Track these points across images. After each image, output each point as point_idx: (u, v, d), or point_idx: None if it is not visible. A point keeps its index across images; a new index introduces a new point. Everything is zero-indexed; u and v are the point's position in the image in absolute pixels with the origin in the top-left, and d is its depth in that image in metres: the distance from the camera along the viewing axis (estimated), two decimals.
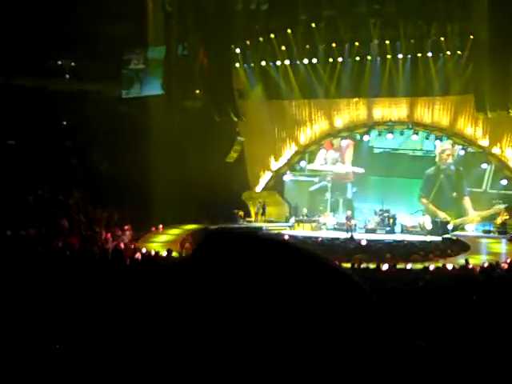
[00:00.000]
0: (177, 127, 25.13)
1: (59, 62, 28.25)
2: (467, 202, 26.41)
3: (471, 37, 24.60)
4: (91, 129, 24.13)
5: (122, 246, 18.60)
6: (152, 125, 24.60)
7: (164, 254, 16.60)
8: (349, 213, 26.13)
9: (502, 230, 24.47)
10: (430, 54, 25.92)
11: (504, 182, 25.98)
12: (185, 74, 26.87)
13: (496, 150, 26.11)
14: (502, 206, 25.29)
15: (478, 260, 18.01)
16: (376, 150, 28.96)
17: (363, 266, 15.19)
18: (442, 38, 25.39)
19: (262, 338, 0.84)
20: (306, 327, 0.85)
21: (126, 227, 21.68)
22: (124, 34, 24.74)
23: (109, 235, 20.60)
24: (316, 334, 0.85)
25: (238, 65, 28.16)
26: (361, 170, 28.01)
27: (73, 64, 28.13)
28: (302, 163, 29.12)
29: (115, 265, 13.07)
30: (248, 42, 27.53)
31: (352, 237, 22.85)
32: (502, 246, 21.95)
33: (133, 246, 18.89)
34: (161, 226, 23.87)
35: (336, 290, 0.89)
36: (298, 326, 0.85)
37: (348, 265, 15.33)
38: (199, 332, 0.84)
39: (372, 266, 14.94)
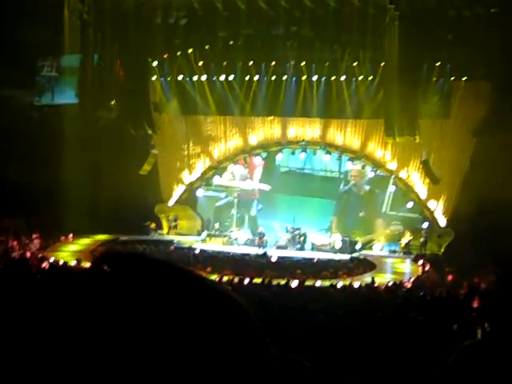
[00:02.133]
0: (90, 137, 24.72)
1: None
2: (379, 223, 27.16)
3: (382, 64, 25.46)
4: (2, 135, 23.40)
5: (29, 254, 18.09)
6: (65, 134, 24.12)
7: (73, 263, 16.27)
8: (261, 229, 26.42)
9: (407, 250, 25.37)
10: (343, 78, 26.61)
11: (410, 204, 26.93)
12: (100, 84, 26.47)
13: (403, 174, 27.06)
14: (400, 228, 26.23)
15: (383, 278, 18.61)
16: (283, 169, 29.44)
17: (274, 282, 15.38)
18: (355, 63, 26.14)
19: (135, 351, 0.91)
20: (183, 345, 0.92)
21: (34, 235, 21.13)
22: (39, 41, 24.18)
23: (15, 243, 20.01)
24: (191, 350, 0.91)
25: (154, 78, 28.03)
26: (267, 187, 28.34)
27: None
28: (216, 178, 29.19)
29: (20, 274, 12.71)
30: (165, 56, 27.44)
31: (265, 253, 23.07)
32: (406, 266, 22.74)
33: (40, 255, 18.41)
34: (71, 235, 23.41)
35: (212, 308, 0.96)
36: (175, 344, 0.91)
37: (259, 280, 15.51)
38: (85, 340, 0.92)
39: (282, 282, 15.13)
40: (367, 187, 27.78)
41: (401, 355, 7.78)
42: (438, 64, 25.10)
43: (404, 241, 25.80)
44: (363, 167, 27.82)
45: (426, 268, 21.29)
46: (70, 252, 21.06)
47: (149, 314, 0.92)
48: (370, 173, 27.66)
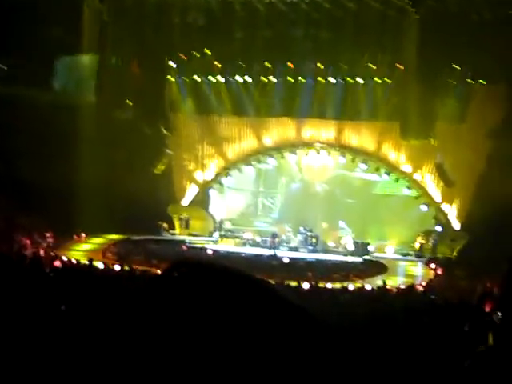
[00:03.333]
0: (105, 136, 24.82)
1: None
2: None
3: (400, 67, 25.36)
4: (17, 134, 23.54)
5: (42, 252, 18.17)
6: (80, 132, 24.22)
7: (86, 262, 16.31)
8: (274, 230, 26.41)
9: (419, 253, 25.24)
10: (360, 80, 26.56)
11: (424, 207, 26.77)
12: (117, 84, 26.60)
13: (417, 177, 26.92)
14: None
15: (395, 281, 18.52)
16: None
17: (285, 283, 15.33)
18: (373, 66, 26.06)
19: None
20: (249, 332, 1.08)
21: (47, 234, 21.23)
22: (58, 39, 24.34)
23: (28, 241, 20.11)
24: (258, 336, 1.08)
25: (171, 78, 28.12)
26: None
27: (2, 67, 27.39)
28: (229, 179, 29.17)
29: (33, 271, 12.77)
30: (183, 56, 27.52)
31: (275, 254, 23.02)
32: (418, 269, 22.63)
33: (53, 254, 18.48)
34: (83, 234, 23.50)
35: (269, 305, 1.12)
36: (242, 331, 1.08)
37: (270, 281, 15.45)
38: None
39: (293, 283, 15.08)
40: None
41: (412, 359, 7.73)
42: (457, 68, 24.96)
43: (416, 244, 25.67)
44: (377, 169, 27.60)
45: (439, 271, 21.16)
46: (82, 251, 21.15)
47: (217, 318, 1.07)
48: (384, 175, 27.47)
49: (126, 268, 15.94)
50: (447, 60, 24.35)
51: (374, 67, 26.02)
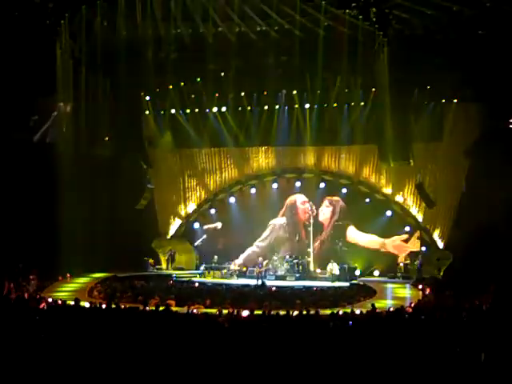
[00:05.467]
0: (85, 174, 24.72)
1: None
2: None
3: (373, 90, 25.66)
4: None
5: (26, 296, 17.93)
6: (59, 172, 24.06)
7: (71, 303, 16.12)
8: (260, 259, 26.35)
9: (406, 274, 25.31)
10: (335, 105, 26.81)
11: (407, 228, 26.89)
12: (93, 122, 26.55)
13: (399, 198, 27.09)
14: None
15: (384, 304, 18.50)
16: None
17: (273, 312, 15.25)
18: (347, 90, 26.34)
19: None
20: None
21: (31, 277, 20.98)
22: (32, 79, 24.29)
23: (11, 285, 19.84)
24: None
25: (147, 112, 28.20)
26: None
27: None
28: (212, 211, 29.10)
29: (18, 315, 12.61)
30: (158, 90, 27.62)
31: (263, 283, 22.94)
32: (406, 291, 22.64)
33: (38, 296, 18.25)
34: (68, 274, 23.28)
35: None
36: None
37: (259, 311, 15.39)
38: None
39: (282, 312, 15.00)
40: None
41: (406, 379, 7.78)
42: (428, 88, 25.34)
43: (402, 265, 25.74)
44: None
45: (426, 292, 21.18)
46: (67, 292, 20.92)
47: None
48: (366, 199, 27.54)
49: (113, 306, 15.77)
50: (419, 80, 24.67)
51: (347, 91, 26.29)
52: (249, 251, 27.44)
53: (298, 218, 27.51)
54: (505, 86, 22.31)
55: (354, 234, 27.28)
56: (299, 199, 27.53)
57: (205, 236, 27.82)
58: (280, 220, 27.61)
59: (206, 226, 28.01)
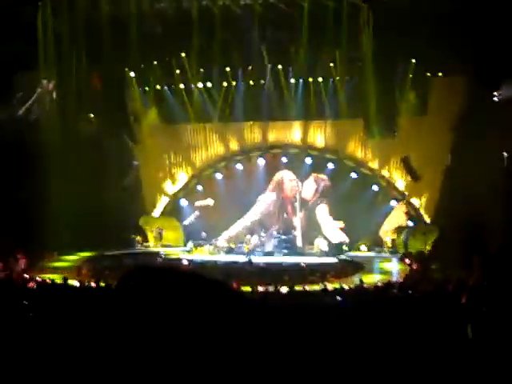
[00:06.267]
0: (71, 151, 24.58)
1: None
2: None
3: (359, 64, 25.62)
4: None
5: (14, 275, 17.94)
6: (44, 148, 23.90)
7: (60, 282, 16.14)
8: (247, 237, 26.39)
9: (393, 249, 25.49)
10: (320, 79, 26.76)
11: (393, 202, 27.02)
12: (77, 98, 26.34)
13: (384, 173, 27.20)
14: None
15: (372, 279, 18.70)
16: None
17: (262, 289, 15.38)
18: (332, 64, 26.29)
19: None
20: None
21: (19, 255, 20.92)
22: (13, 55, 23.99)
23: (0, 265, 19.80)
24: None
25: (132, 88, 27.98)
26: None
27: None
28: (199, 187, 29.04)
29: (6, 294, 12.60)
30: (142, 66, 27.41)
31: (250, 260, 23.03)
32: (393, 265, 22.85)
33: (26, 276, 18.24)
34: (55, 253, 23.25)
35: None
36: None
37: (248, 288, 15.50)
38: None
39: (271, 288, 15.12)
40: None
41: (394, 354, 7.83)
42: (413, 61, 25.34)
43: (387, 239, 25.90)
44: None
45: (413, 266, 21.39)
46: (56, 270, 20.92)
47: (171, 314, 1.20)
48: (352, 173, 27.58)
49: (102, 284, 15.81)
50: (404, 54, 24.66)
51: (332, 65, 26.25)
52: (238, 226, 27.37)
53: (285, 195, 27.51)
54: (491, 59, 22.33)
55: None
56: (286, 176, 27.48)
57: (197, 212, 27.75)
58: (269, 196, 27.56)
59: (197, 203, 27.93)
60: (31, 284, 15.82)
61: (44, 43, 25.09)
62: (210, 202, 27.72)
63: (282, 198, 27.53)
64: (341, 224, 26.16)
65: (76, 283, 16.61)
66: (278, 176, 27.68)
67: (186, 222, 27.95)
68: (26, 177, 22.93)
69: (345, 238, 25.97)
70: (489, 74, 23.12)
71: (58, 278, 17.31)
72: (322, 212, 26.98)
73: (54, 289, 14.84)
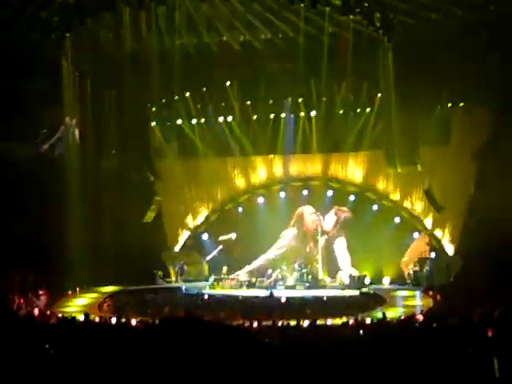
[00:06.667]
0: (93, 188, 24.74)
1: None
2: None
3: (379, 95, 25.60)
4: (5, 189, 23.38)
5: (37, 312, 17.92)
6: (67, 186, 24.09)
7: (81, 318, 16.08)
8: (269, 271, 26.24)
9: (416, 282, 25.13)
10: (341, 111, 26.76)
11: (416, 234, 26.73)
12: (100, 135, 26.58)
13: (407, 204, 26.95)
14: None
15: (395, 313, 18.38)
16: None
17: (284, 322, 15.20)
18: (352, 96, 26.30)
19: None
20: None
21: (41, 292, 20.97)
22: (37, 93, 24.35)
23: (21, 301, 19.83)
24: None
25: (153, 123, 28.19)
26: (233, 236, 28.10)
27: None
28: (220, 221, 28.98)
29: (27, 331, 12.55)
30: (164, 101, 27.64)
31: (271, 294, 22.82)
32: (416, 298, 22.48)
33: (48, 312, 18.24)
34: (78, 289, 23.26)
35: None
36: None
37: (269, 322, 15.33)
38: None
39: (292, 322, 14.93)
40: None
41: None
42: (433, 92, 25.26)
43: (411, 271, 25.56)
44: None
45: (437, 299, 21.03)
46: (77, 306, 20.91)
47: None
48: (374, 205, 27.41)
49: (123, 320, 15.74)
50: (424, 84, 24.58)
51: (352, 97, 26.26)
52: (261, 260, 27.27)
53: (306, 229, 27.41)
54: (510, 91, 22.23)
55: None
56: (307, 210, 27.46)
57: (220, 247, 27.68)
58: (291, 230, 27.55)
59: (221, 237, 27.88)
60: (52, 320, 15.80)
61: (68, 81, 25.41)
62: (233, 235, 27.64)
63: (303, 232, 27.44)
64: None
65: (97, 319, 16.55)
66: (298, 211, 27.67)
67: (209, 257, 27.85)
68: (50, 215, 23.09)
69: (356, 273, 25.83)
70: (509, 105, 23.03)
71: (79, 314, 17.27)
72: (341, 245, 26.93)
73: (75, 325, 14.77)
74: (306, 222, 27.43)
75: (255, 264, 27.14)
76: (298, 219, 27.59)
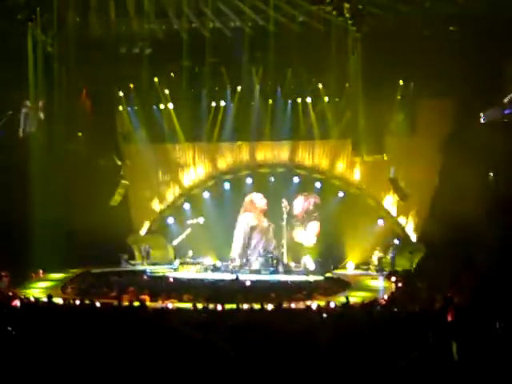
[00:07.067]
0: (59, 170, 24.55)
1: None
2: None
3: (347, 85, 25.82)
4: None
5: None
6: (32, 167, 23.88)
7: (44, 300, 16.04)
8: (233, 254, 26.42)
9: (380, 267, 25.54)
10: (309, 100, 26.93)
11: (380, 221, 27.11)
12: (66, 117, 26.32)
13: (372, 192, 27.31)
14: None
15: (358, 297, 18.70)
16: None
17: (247, 306, 15.36)
18: (321, 85, 26.51)
19: None
20: None
21: (3, 273, 20.81)
22: (3, 76, 24.03)
23: None
24: None
25: (121, 108, 28.06)
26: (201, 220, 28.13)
27: None
28: (186, 206, 29.04)
29: None
30: (131, 86, 27.53)
31: (237, 278, 23.00)
32: (379, 283, 22.87)
33: (10, 293, 18.13)
34: (41, 271, 23.13)
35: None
36: None
37: (233, 305, 15.48)
38: None
39: (257, 306, 15.09)
40: None
41: (378, 371, 7.80)
42: (401, 82, 25.58)
43: (375, 258, 25.95)
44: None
45: (399, 284, 21.43)
46: (40, 289, 20.81)
47: None
48: (340, 193, 27.72)
49: (87, 302, 15.74)
50: (392, 75, 24.88)
51: (321, 86, 26.46)
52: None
53: (260, 211, 27.75)
54: (478, 81, 22.57)
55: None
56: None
57: (189, 230, 27.69)
58: (243, 216, 27.85)
59: (189, 221, 27.90)
60: (15, 302, 15.70)
61: (33, 63, 25.09)
62: (200, 220, 27.71)
63: (258, 216, 27.72)
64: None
65: (60, 301, 16.51)
66: (247, 198, 27.97)
67: (176, 241, 27.87)
68: (14, 195, 22.87)
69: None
70: (476, 96, 23.39)
71: (42, 296, 17.22)
72: (312, 230, 27.34)
73: (38, 307, 14.74)
74: (259, 206, 27.74)
75: (236, 249, 27.40)
76: (249, 206, 27.89)
